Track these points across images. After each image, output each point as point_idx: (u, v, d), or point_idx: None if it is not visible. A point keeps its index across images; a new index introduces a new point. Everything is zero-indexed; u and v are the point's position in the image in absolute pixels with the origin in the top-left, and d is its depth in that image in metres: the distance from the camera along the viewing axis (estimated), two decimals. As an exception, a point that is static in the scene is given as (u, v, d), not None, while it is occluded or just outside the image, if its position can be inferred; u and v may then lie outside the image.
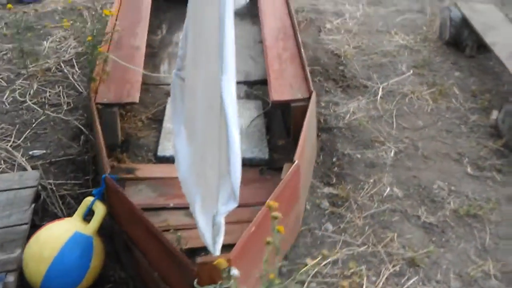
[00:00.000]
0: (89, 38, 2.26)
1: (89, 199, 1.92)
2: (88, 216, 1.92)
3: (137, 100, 2.51)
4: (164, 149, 2.54)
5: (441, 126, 3.01)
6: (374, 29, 4.17)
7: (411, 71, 3.56)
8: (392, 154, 2.76)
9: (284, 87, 2.62)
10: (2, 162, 2.57)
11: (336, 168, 2.63)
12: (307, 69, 2.75)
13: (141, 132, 2.69)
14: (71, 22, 3.54)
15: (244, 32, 3.83)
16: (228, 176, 1.43)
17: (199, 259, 1.46)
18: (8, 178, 2.27)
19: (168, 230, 1.96)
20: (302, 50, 2.92)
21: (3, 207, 2.08)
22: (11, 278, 1.76)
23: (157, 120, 2.79)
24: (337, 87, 3.39)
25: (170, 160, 2.46)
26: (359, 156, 2.73)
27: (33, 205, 2.11)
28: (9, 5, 2.89)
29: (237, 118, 1.45)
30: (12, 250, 1.86)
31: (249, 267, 1.64)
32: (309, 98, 2.48)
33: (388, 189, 2.50)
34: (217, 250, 1.49)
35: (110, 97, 2.47)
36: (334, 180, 2.55)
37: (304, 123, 2.23)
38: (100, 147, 2.10)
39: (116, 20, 3.29)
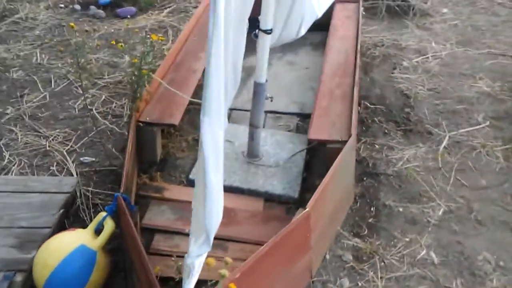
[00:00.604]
0: (135, 60, 2.37)
1: (102, 214, 1.99)
2: (99, 230, 1.99)
3: (176, 122, 2.57)
4: (195, 173, 2.56)
5: (507, 189, 2.66)
6: (456, 72, 3.86)
7: (488, 122, 3.22)
8: (440, 212, 2.50)
9: (325, 126, 2.52)
10: (55, 164, 2.78)
11: (371, 219, 2.44)
12: (356, 109, 2.62)
13: (181, 153, 2.75)
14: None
15: (312, 63, 3.77)
16: (204, 222, 1.39)
17: None
18: (48, 181, 2.45)
19: (171, 256, 1.96)
20: (356, 89, 2.78)
21: (36, 208, 2.24)
22: (19, 277, 1.88)
23: (202, 143, 2.84)
24: (398, 130, 3.17)
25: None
26: (401, 209, 2.51)
27: (61, 211, 2.24)
28: (72, 24, 3.16)
29: (220, 162, 1.41)
30: (28, 251, 1.99)
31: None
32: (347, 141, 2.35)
33: (424, 251, 2.26)
34: (185, 291, 1.45)
35: (152, 116, 2.57)
36: (365, 232, 2.36)
37: (332, 168, 2.10)
38: (126, 165, 2.18)
39: (185, 41, 3.44)
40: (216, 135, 1.39)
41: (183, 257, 2.00)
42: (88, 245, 1.90)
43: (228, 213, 2.31)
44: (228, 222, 2.28)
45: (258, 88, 2.45)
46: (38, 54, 3.98)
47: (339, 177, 2.25)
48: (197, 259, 1.43)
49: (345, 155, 2.26)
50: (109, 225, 1.95)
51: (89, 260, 1.87)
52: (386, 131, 3.15)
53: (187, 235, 2.16)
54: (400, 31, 4.54)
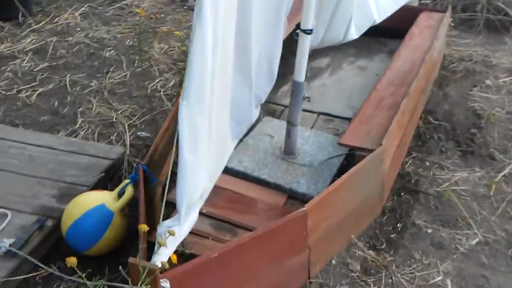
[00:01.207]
0: (184, 48, 2.54)
1: (126, 181, 2.19)
2: (121, 195, 2.19)
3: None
4: (229, 161, 2.65)
5: (562, 232, 2.36)
6: (547, 99, 3.47)
7: None
8: (473, 242, 2.30)
9: (360, 133, 2.45)
10: (115, 134, 3.08)
11: (394, 235, 2.34)
12: (399, 120, 2.51)
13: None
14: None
15: (383, 70, 3.66)
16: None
17: (131, 259, 1.55)
18: (100, 147, 2.74)
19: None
20: (407, 100, 2.66)
21: (82, 168, 2.53)
22: (49, 223, 2.16)
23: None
24: (457, 150, 2.96)
25: (230, 171, 2.59)
26: (430, 231, 2.36)
27: (102, 174, 2.50)
28: (139, 10, 3.40)
29: (198, 145, 1.49)
30: (64, 203, 2.26)
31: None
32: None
33: (440, 277, 2.11)
34: (155, 260, 1.55)
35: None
36: (383, 246, 2.27)
37: (347, 174, 2.06)
38: (157, 139, 2.35)
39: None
40: (194, 119, 1.47)
41: (192, 233, 2.17)
42: (107, 205, 2.10)
43: (248, 202, 2.40)
44: (246, 210, 2.36)
45: (296, 87, 2.47)
46: (132, 38, 4.40)
47: (357, 185, 2.19)
48: (166, 231, 1.53)
49: (368, 164, 2.19)
50: (129, 191, 2.14)
51: (106, 219, 2.07)
52: (443, 149, 2.97)
53: (203, 215, 2.31)
54: (495, 47, 4.18)
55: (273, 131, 2.87)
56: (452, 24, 4.65)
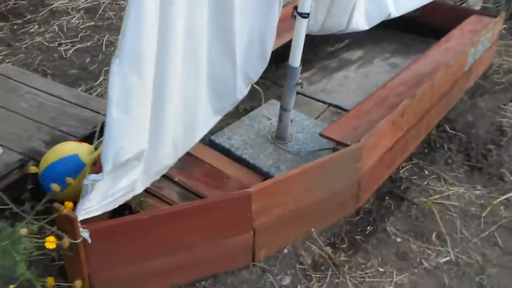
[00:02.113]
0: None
1: (104, 137, 2.30)
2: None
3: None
4: (218, 136, 2.68)
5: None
6: None
7: None
8: (442, 260, 2.16)
9: (347, 127, 2.36)
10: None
11: (360, 237, 2.25)
12: (391, 120, 2.38)
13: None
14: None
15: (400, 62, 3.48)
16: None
17: (55, 204, 1.63)
18: (103, 103, 2.87)
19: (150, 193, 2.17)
20: (406, 101, 2.50)
21: (80, 120, 2.67)
22: (30, 164, 2.33)
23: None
24: (465, 164, 2.75)
25: (217, 146, 2.62)
26: (399, 240, 2.25)
27: (95, 128, 2.61)
28: None
29: (129, 104, 1.52)
30: (49, 148, 2.42)
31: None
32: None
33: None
34: (77, 209, 1.62)
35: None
36: (344, 246, 2.20)
37: (308, 164, 2.01)
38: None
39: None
40: (125, 78, 1.50)
41: (156, 197, 2.25)
42: (81, 156, 2.21)
43: (222, 178, 2.42)
44: (216, 185, 2.37)
45: (290, 72, 2.42)
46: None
47: (321, 178, 2.12)
48: (90, 183, 1.60)
49: (336, 159, 2.12)
50: (100, 149, 2.24)
51: (76, 168, 2.19)
52: (449, 161, 2.78)
53: (175, 183, 2.37)
54: (554, 63, 3.79)
55: (273, 114, 2.84)
56: (513, 32, 4.29)
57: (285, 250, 2.15)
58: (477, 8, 4.48)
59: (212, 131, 2.77)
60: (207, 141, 2.70)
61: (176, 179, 2.37)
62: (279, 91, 3.23)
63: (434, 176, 2.64)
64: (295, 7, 2.22)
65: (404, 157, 2.73)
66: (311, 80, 3.40)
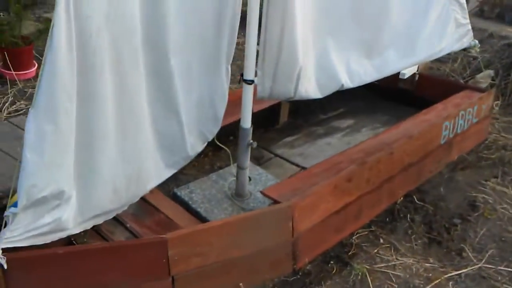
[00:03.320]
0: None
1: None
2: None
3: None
4: (181, 189, 2.84)
5: None
6: None
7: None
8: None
9: (289, 187, 2.45)
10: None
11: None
12: (332, 185, 2.44)
13: (192, 168, 3.08)
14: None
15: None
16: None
17: None
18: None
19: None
20: (353, 167, 2.55)
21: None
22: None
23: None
24: (424, 236, 2.70)
25: (177, 198, 2.78)
26: (328, 304, 2.23)
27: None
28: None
29: (43, 148, 1.74)
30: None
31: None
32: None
33: None
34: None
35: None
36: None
37: (235, 216, 2.10)
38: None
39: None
40: (42, 126, 1.72)
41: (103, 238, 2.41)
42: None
43: (173, 228, 2.54)
44: (162, 232, 2.47)
45: (241, 132, 2.57)
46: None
47: (247, 233, 2.19)
48: (10, 215, 1.80)
49: (262, 215, 2.19)
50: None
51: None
52: (410, 232, 2.74)
53: (126, 228, 2.54)
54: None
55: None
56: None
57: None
58: (484, 85, 4.48)
59: (179, 185, 2.98)
60: (171, 194, 2.89)
61: (128, 225, 2.54)
62: (256, 151, 3.40)
63: (388, 245, 2.61)
64: (241, 74, 2.43)
65: (360, 223, 2.73)
66: (293, 144, 3.54)
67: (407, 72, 3.71)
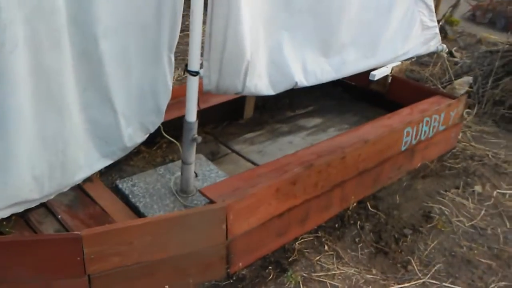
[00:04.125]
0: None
1: None
2: None
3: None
4: (124, 181, 2.72)
5: None
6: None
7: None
8: None
9: (228, 188, 2.32)
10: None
11: (218, 303, 2.15)
12: (275, 188, 2.31)
13: (137, 161, 2.96)
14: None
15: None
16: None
17: None
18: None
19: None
20: (298, 170, 2.43)
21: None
22: None
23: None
24: (372, 246, 2.59)
25: (119, 191, 2.66)
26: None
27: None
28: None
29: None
30: None
31: None
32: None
33: None
34: None
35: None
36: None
37: (156, 217, 1.97)
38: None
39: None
40: None
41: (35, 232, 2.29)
42: None
43: (106, 222, 2.42)
44: (94, 226, 2.37)
45: (185, 126, 2.44)
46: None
47: (173, 233, 2.07)
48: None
49: (192, 216, 2.08)
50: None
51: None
52: (357, 240, 2.63)
53: (57, 219, 2.42)
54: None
55: (195, 169, 2.82)
56: (494, 119, 4.11)
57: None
58: (462, 91, 4.37)
59: (123, 177, 2.85)
60: (112, 186, 2.77)
61: (59, 216, 2.42)
62: (214, 146, 3.28)
63: (331, 253, 2.51)
64: (186, 65, 2.29)
65: (306, 228, 2.62)
66: (253, 141, 3.42)
67: (377, 74, 3.57)
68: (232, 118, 3.65)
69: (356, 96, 4.10)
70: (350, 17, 2.49)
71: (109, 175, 2.81)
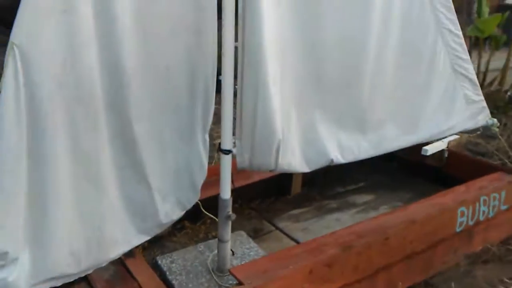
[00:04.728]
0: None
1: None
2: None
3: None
4: (163, 257, 2.73)
5: None
6: None
7: None
8: None
9: (259, 268, 2.24)
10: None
11: None
12: (307, 270, 2.19)
13: (180, 237, 2.96)
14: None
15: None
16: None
17: None
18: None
19: None
20: (334, 252, 2.28)
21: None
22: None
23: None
24: None
25: (158, 267, 2.67)
26: None
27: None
28: None
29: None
30: None
31: None
32: None
33: None
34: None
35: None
36: None
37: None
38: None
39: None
40: None
41: None
42: None
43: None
44: (115, 285, 2.37)
45: (220, 204, 2.45)
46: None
47: None
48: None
49: None
50: None
51: None
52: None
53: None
54: None
55: (234, 247, 2.79)
56: None
57: None
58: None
59: (165, 252, 2.86)
60: (152, 263, 2.79)
61: (97, 288, 2.46)
62: (257, 223, 3.24)
63: None
64: (219, 143, 2.35)
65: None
66: (298, 217, 3.34)
67: (430, 149, 3.42)
68: (279, 193, 3.63)
69: (411, 171, 3.92)
70: (385, 94, 2.45)
71: (151, 250, 2.85)
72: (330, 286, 2.32)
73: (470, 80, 2.68)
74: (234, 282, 2.52)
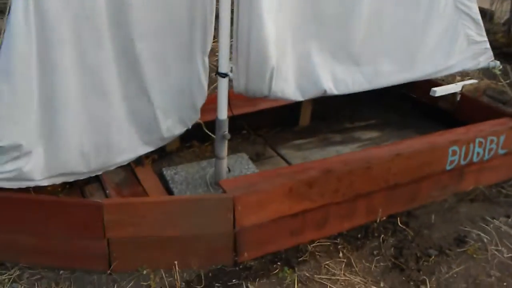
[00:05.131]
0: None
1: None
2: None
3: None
4: (168, 169, 3.02)
5: None
6: None
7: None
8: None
9: (246, 182, 2.48)
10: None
11: (219, 285, 2.31)
12: (288, 187, 2.40)
13: (186, 153, 3.24)
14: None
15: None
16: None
17: None
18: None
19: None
20: (315, 174, 2.47)
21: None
22: None
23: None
24: (390, 260, 2.54)
25: (163, 177, 2.97)
26: (250, 300, 2.23)
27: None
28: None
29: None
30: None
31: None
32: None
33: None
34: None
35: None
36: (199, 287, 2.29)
37: (168, 197, 2.20)
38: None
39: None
40: None
41: None
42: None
43: (144, 196, 2.72)
44: (124, 187, 2.70)
45: (217, 123, 2.65)
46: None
47: (182, 215, 2.28)
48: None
49: (200, 202, 2.26)
50: None
51: None
52: (376, 252, 2.60)
53: (106, 194, 2.79)
54: None
55: (232, 164, 3.02)
56: None
57: (144, 272, 2.36)
58: None
59: (171, 165, 3.14)
60: (158, 173, 3.09)
61: (107, 191, 2.80)
62: (262, 150, 3.44)
63: (343, 260, 2.52)
64: (217, 67, 2.52)
65: (324, 233, 2.65)
66: (300, 147, 3.52)
67: (438, 90, 3.44)
68: (288, 124, 3.79)
69: (424, 113, 3.96)
70: (382, 30, 2.50)
71: (160, 162, 3.14)
72: (309, 204, 2.53)
73: (473, 19, 2.65)
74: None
